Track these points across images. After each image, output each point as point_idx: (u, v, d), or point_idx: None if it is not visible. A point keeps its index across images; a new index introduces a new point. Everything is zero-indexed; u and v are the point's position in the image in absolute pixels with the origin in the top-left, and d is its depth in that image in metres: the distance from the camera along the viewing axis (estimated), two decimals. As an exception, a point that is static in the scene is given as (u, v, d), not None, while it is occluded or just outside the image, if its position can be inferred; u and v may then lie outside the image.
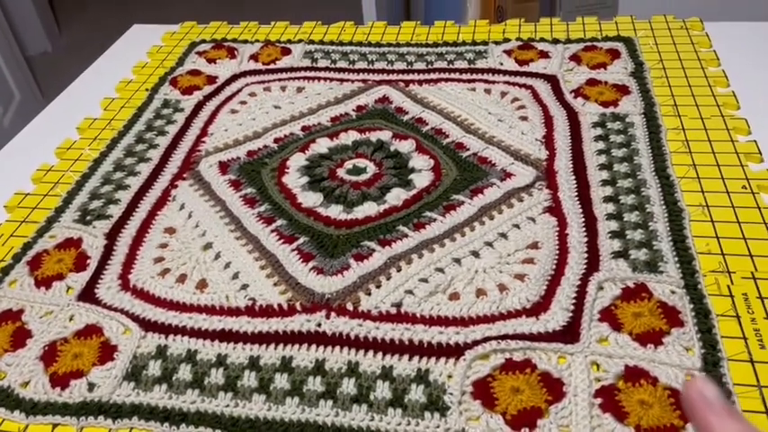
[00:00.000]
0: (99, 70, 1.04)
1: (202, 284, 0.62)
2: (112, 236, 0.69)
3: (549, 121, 0.80)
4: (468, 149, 0.76)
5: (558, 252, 0.62)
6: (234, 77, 0.95)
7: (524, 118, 0.80)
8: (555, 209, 0.67)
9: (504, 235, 0.64)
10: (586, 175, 0.71)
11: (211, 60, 0.98)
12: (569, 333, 0.54)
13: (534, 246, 0.63)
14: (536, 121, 0.80)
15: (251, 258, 0.64)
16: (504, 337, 0.54)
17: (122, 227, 0.70)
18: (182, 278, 0.63)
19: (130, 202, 0.73)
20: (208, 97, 0.90)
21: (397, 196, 0.70)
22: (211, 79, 0.94)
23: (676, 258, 0.59)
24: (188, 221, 0.70)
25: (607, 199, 0.67)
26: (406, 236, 0.65)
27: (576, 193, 0.68)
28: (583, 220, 0.65)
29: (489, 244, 0.63)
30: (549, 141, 0.76)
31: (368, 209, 0.69)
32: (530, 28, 1.00)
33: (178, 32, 1.10)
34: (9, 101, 2.25)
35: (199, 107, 0.89)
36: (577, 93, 0.83)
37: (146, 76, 0.98)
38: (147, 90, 0.93)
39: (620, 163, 0.72)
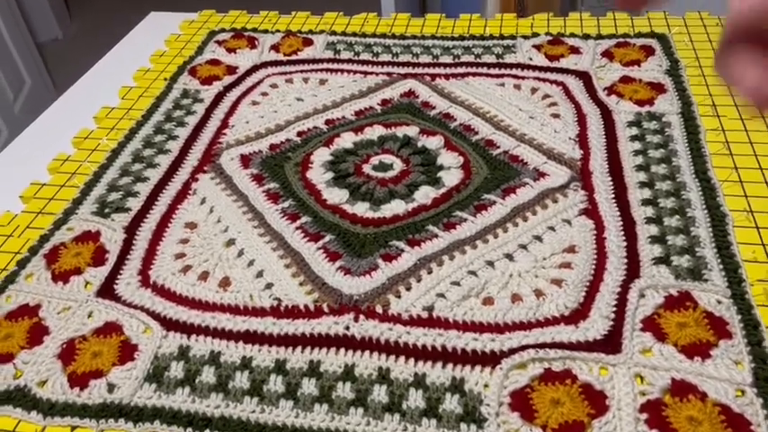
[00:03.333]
0: (116, 58, 1.01)
1: (225, 282, 0.60)
2: (132, 230, 0.66)
3: (582, 120, 0.77)
4: (498, 147, 0.74)
5: (595, 257, 0.59)
6: (254, 68, 0.92)
7: (556, 115, 0.78)
8: (591, 211, 0.64)
9: (538, 237, 0.62)
10: (623, 176, 0.68)
11: (231, 50, 0.96)
12: (610, 343, 0.52)
13: (571, 249, 0.60)
14: (569, 119, 0.77)
15: (275, 256, 0.62)
16: (542, 345, 0.52)
17: (142, 220, 0.68)
18: (204, 275, 0.61)
19: (150, 195, 0.71)
20: (228, 88, 0.88)
21: (425, 194, 0.67)
22: (231, 69, 0.91)
23: (721, 266, 0.57)
24: (209, 216, 0.67)
25: (645, 202, 0.64)
26: (436, 236, 0.63)
27: (613, 195, 0.66)
28: (621, 223, 0.63)
29: (524, 247, 0.61)
30: (582, 140, 0.74)
31: (396, 207, 0.66)
32: (558, 22, 0.97)
33: (197, 21, 1.07)
34: (20, 87, 2.23)
35: (219, 98, 0.86)
36: (611, 90, 0.81)
37: (164, 64, 0.96)
38: (165, 79, 0.91)
39: (657, 164, 0.69)
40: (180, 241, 0.65)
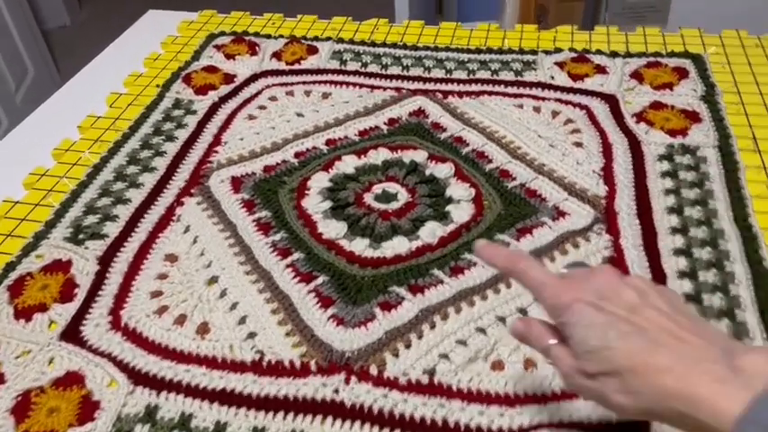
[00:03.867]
0: (108, 60, 0.95)
1: (204, 329, 0.54)
2: (106, 260, 0.60)
3: (607, 150, 0.70)
4: (514, 179, 0.67)
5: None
6: (254, 77, 0.85)
7: (579, 144, 0.71)
8: (617, 260, 0.57)
9: (556, 289, 0.55)
10: (652, 219, 0.61)
11: (230, 56, 0.89)
12: (636, 425, 0.45)
13: (593, 306, 0.53)
14: (593, 149, 0.70)
15: (261, 299, 0.56)
16: (559, 425, 0.45)
17: (119, 249, 0.61)
18: (181, 319, 0.54)
19: (129, 220, 0.64)
20: (224, 99, 0.82)
21: (431, 232, 0.61)
22: (229, 78, 0.85)
23: (765, 335, 0.50)
24: (192, 248, 0.61)
25: (678, 252, 0.57)
26: (442, 282, 0.56)
27: (642, 242, 0.59)
28: (650, 276, 0.56)
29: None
30: (607, 174, 0.67)
31: (398, 245, 0.60)
32: (583, 37, 0.90)
33: (196, 21, 1.01)
34: (22, 77, 2.17)
35: (213, 110, 0.80)
36: (640, 117, 0.73)
37: (157, 69, 0.89)
38: (157, 86, 0.85)
39: (691, 206, 0.62)
40: (158, 276, 0.59)
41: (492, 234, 0.61)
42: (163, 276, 0.59)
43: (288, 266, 0.58)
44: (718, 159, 0.67)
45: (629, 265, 0.57)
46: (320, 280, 0.57)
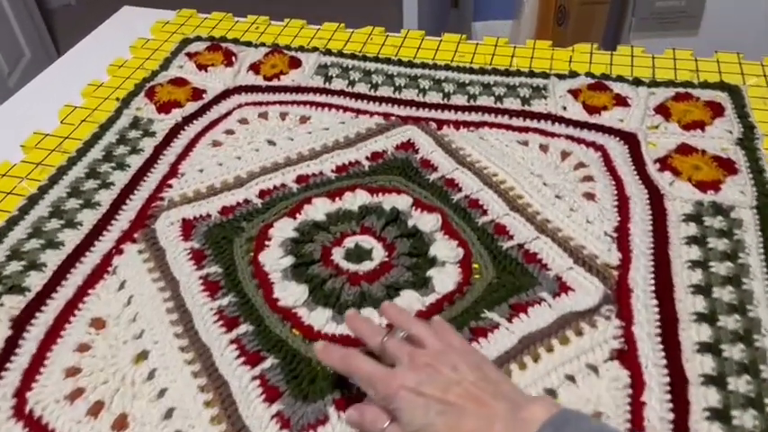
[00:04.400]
0: (71, 64, 0.86)
1: (121, 423, 0.45)
2: (22, 322, 0.51)
3: (623, 205, 0.59)
4: (511, 237, 0.57)
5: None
6: (225, 93, 0.76)
7: (591, 196, 0.60)
8: (628, 356, 0.47)
9: (551, 392, 0.45)
10: (673, 300, 0.51)
11: (202, 66, 0.79)
12: None
13: (596, 416, 0.43)
14: (606, 203, 0.59)
15: (195, 386, 0.46)
16: None
17: (39, 309, 0.52)
18: (96, 408, 0.45)
19: (58, 270, 0.55)
20: (188, 119, 0.72)
21: (408, 304, 0.51)
22: (197, 93, 0.75)
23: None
24: (125, 311, 0.52)
25: (704, 347, 0.47)
26: (414, 374, 0.46)
27: (659, 331, 0.49)
28: (668, 380, 0.45)
29: (530, 407, 0.44)
30: (622, 237, 0.56)
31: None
32: (603, 59, 0.79)
33: (172, 23, 0.91)
34: (17, 60, 2.09)
35: (175, 132, 0.70)
36: (664, 164, 0.63)
37: (120, 79, 0.80)
38: (117, 100, 0.75)
39: (722, 286, 0.51)
40: (78, 347, 0.49)
41: (478, 309, 0.51)
42: (84, 347, 0.49)
43: (232, 342, 0.49)
44: (755, 223, 0.56)
45: (642, 362, 0.47)
46: (268, 363, 0.48)
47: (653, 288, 0.52)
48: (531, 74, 0.76)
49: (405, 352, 0.40)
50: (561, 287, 0.52)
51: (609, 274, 0.53)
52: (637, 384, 0.45)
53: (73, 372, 0.48)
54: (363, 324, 0.45)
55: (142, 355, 0.49)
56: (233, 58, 0.80)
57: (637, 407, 0.44)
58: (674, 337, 0.48)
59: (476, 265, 0.55)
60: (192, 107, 0.73)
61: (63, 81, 0.81)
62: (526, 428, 0.34)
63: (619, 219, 0.58)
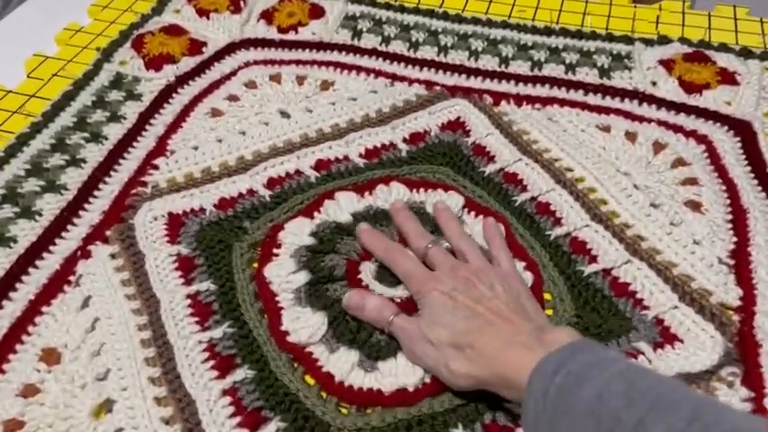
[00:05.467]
0: (44, 2, 0.71)
1: None
2: (-47, 351, 0.39)
3: (740, 219, 0.46)
4: (594, 258, 0.43)
5: None
6: (230, 48, 0.61)
7: (696, 205, 0.46)
8: (764, 446, 0.34)
9: (660, 495, 0.33)
10: (819, 361, 0.38)
11: (204, 12, 0.64)
12: None
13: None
14: (717, 216, 0.46)
15: (173, 458, 0.34)
16: None
17: (-24, 331, 0.40)
18: (38, 484, 0.34)
19: (5, 277, 0.43)
20: (183, 79, 0.58)
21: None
22: (196, 46, 0.61)
23: None
24: (86, 340, 0.39)
25: None
26: (469, 454, 0.34)
27: (803, 408, 0.36)
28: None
29: None
30: (741, 266, 0.43)
31: (404, 371, 0.37)
32: (699, 20, 0.63)
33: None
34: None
35: (165, 95, 0.56)
36: (790, 165, 0.49)
37: (104, 23, 0.65)
38: (97, 50, 0.61)
39: None
40: (22, 391, 0.37)
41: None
42: (30, 391, 0.37)
43: (225, 393, 0.37)
44: None
45: (782, 454, 0.34)
46: (272, 427, 0.35)
47: (789, 341, 0.39)
48: (610, 37, 0.61)
49: (447, 261, 0.40)
50: (664, 335, 0.39)
51: (728, 318, 0.40)
52: (777, 489, 0.33)
53: (13, 426, 0.36)
54: (411, 224, 0.43)
55: (104, 407, 0.37)
56: (241, 3, 0.65)
57: None
58: (824, 417, 0.35)
59: (548, 296, 0.42)
60: (188, 63, 0.59)
61: (33, 23, 0.67)
62: (547, 348, 0.33)
63: (735, 239, 0.44)
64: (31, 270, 0.43)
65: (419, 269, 0.40)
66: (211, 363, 0.38)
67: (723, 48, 0.59)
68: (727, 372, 0.37)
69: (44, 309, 0.41)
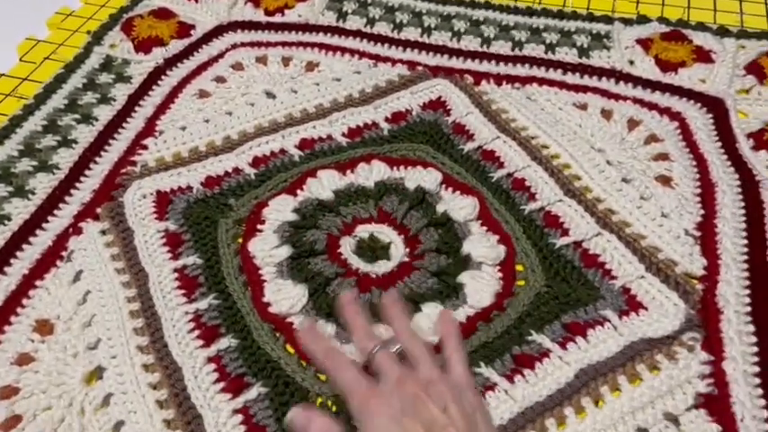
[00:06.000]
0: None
1: (64, 469, 0.35)
2: (-49, 322, 0.41)
3: (708, 193, 0.47)
4: (566, 231, 0.45)
5: None
6: (218, 30, 0.63)
7: (666, 180, 0.48)
8: (718, 404, 0.36)
9: (619, 451, 0.35)
10: (777, 326, 0.40)
11: (192, -5, 0.66)
12: None
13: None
14: (686, 190, 0.47)
15: (160, 420, 0.36)
16: None
17: (-27, 304, 0.42)
18: (34, 444, 0.36)
19: (1, 252, 0.45)
20: (171, 61, 0.59)
21: (431, 323, 0.40)
22: (184, 29, 0.62)
23: None
24: (78, 311, 0.41)
25: (819, 397, 0.36)
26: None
27: (758, 370, 0.38)
28: (771, 443, 0.35)
29: (591, 472, 0.34)
30: (707, 238, 0.44)
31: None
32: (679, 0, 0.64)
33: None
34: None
35: (154, 77, 0.58)
36: (759, 140, 0.50)
37: (95, 7, 0.67)
38: (88, 33, 0.62)
39: (839, 311, 0.40)
40: (16, 359, 0.39)
41: (523, 330, 0.40)
42: (24, 360, 0.39)
43: (209, 360, 0.39)
44: None
45: (736, 412, 0.36)
46: (254, 392, 0.37)
47: (748, 309, 0.40)
48: (590, 17, 0.62)
49: (394, 371, 0.33)
50: (630, 303, 0.41)
51: (691, 287, 0.41)
52: (731, 445, 0.35)
53: (9, 392, 0.38)
54: (357, 320, 0.36)
55: (96, 373, 0.38)
56: (229, -14, 0.67)
57: (731, 478, 0.34)
58: (781, 378, 0.37)
59: (520, 267, 0.43)
60: (176, 46, 0.60)
61: (25, 8, 0.68)
62: None
63: (702, 212, 0.46)
64: (24, 246, 0.45)
65: (361, 382, 0.34)
66: (197, 332, 0.40)
67: (701, 26, 0.60)
68: (688, 337, 0.39)
69: (38, 283, 0.43)
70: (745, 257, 0.43)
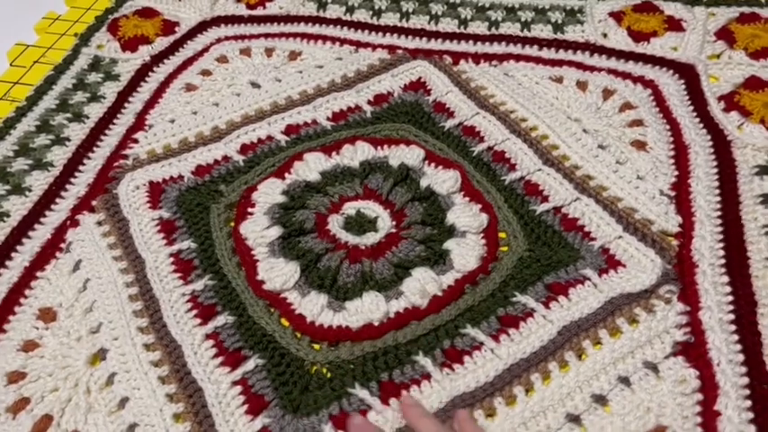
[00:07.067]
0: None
1: (73, 444, 0.37)
2: (-43, 315, 0.43)
3: (681, 155, 0.49)
4: (545, 198, 0.47)
5: (701, 455, 0.34)
6: (202, 26, 0.64)
7: (641, 144, 0.50)
8: (695, 351, 0.38)
9: (601, 399, 0.36)
10: (749, 276, 0.41)
11: (175, -7, 0.67)
12: None
13: (658, 434, 0.35)
14: (661, 153, 0.49)
15: (162, 394, 0.38)
16: None
17: (-23, 297, 0.44)
18: (43, 424, 0.37)
19: (1, 247, 0.46)
20: (158, 58, 0.61)
21: (421, 287, 0.42)
22: (169, 26, 0.64)
23: None
24: (79, 298, 0.43)
25: (791, 339, 0.38)
26: (430, 378, 0.38)
27: (733, 317, 0.39)
28: (746, 381, 0.36)
29: (575, 419, 0.36)
30: (682, 197, 0.46)
31: (369, 309, 0.41)
32: (650, -28, 0.66)
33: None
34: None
35: (142, 74, 0.59)
36: (730, 102, 0.52)
37: (80, 10, 0.68)
38: (75, 36, 0.64)
39: (809, 258, 0.42)
40: (22, 347, 0.41)
41: (508, 292, 0.41)
42: (29, 346, 0.41)
43: (208, 337, 0.40)
44: None
45: (713, 358, 0.37)
46: (251, 363, 0.39)
47: (723, 261, 0.42)
48: (564, -6, 0.64)
49: None
50: (609, 261, 0.43)
51: (667, 244, 0.43)
52: (707, 387, 0.36)
53: (16, 377, 0.39)
54: (427, 422, 0.34)
55: (99, 355, 0.40)
56: (210, -17, 0.68)
57: (709, 417, 0.35)
58: (752, 324, 0.39)
59: (502, 235, 0.45)
60: (162, 43, 0.62)
61: (12, 14, 0.70)
62: None
63: (677, 173, 0.48)
64: (24, 240, 0.47)
65: None
66: (194, 312, 0.42)
67: (672, -3, 0.62)
68: (665, 290, 0.41)
69: (39, 273, 0.45)
70: (719, 213, 0.45)
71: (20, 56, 0.63)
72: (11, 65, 0.62)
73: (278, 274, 0.43)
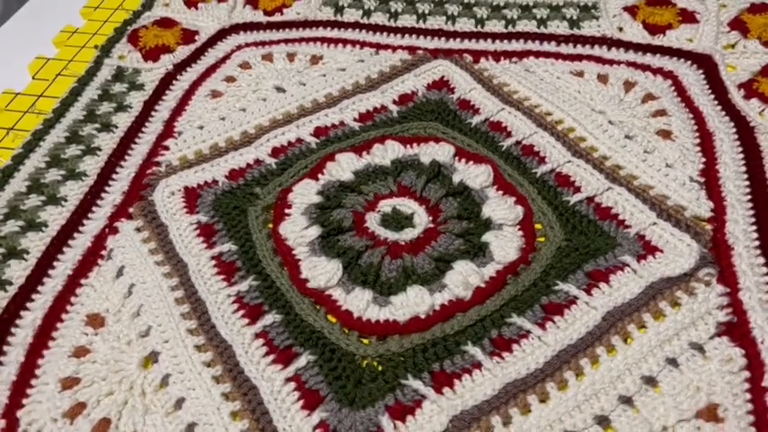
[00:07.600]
0: (39, 7, 0.74)
1: (134, 446, 0.37)
2: (4, 324, 0.43)
3: (707, 142, 0.50)
4: (578, 188, 0.48)
5: (755, 426, 0.35)
6: (221, 34, 0.65)
7: (666, 134, 0.51)
8: (738, 330, 0.39)
9: (651, 380, 0.37)
10: (785, 256, 0.42)
11: (191, 3, 0.68)
12: None
13: (711, 413, 0.36)
14: (687, 141, 0.50)
15: (218, 393, 0.38)
16: None
17: (23, 306, 0.44)
18: (102, 427, 0.38)
19: (42, 257, 0.46)
20: (180, 66, 0.61)
21: (463, 279, 0.42)
22: (188, 35, 0.64)
23: None
24: (125, 303, 0.43)
25: (830, 315, 0.39)
26: (481, 366, 0.38)
27: (772, 297, 0.40)
28: (792, 359, 0.37)
29: (627, 401, 0.36)
30: (711, 182, 0.47)
31: (414, 302, 0.41)
32: (659, -33, 0.67)
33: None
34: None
35: (166, 83, 0.60)
36: (750, 89, 0.53)
37: (98, 23, 0.69)
38: (95, 48, 0.64)
39: (841, 237, 0.43)
40: (73, 353, 0.41)
41: (549, 281, 0.42)
42: (80, 352, 0.41)
43: (257, 336, 0.41)
44: None
45: (757, 336, 0.38)
46: (302, 360, 0.39)
47: (757, 243, 0.43)
48: (577, -10, 0.65)
49: None
50: (646, 247, 0.43)
51: (701, 228, 0.44)
52: (754, 365, 0.37)
53: (70, 383, 0.40)
54: None
55: (151, 358, 0.40)
56: (226, -8, 0.69)
57: (757, 393, 0.36)
58: (792, 302, 0.40)
59: (538, 226, 0.46)
60: (183, 52, 0.63)
61: (31, 29, 0.70)
62: None
63: (704, 160, 0.49)
64: (65, 249, 0.47)
65: None
66: (241, 312, 0.42)
67: (683, -10, 0.63)
68: (703, 273, 0.41)
69: (82, 281, 0.45)
70: (749, 197, 0.46)
71: (41, 69, 0.63)
72: (33, 78, 0.63)
73: (321, 272, 0.44)
